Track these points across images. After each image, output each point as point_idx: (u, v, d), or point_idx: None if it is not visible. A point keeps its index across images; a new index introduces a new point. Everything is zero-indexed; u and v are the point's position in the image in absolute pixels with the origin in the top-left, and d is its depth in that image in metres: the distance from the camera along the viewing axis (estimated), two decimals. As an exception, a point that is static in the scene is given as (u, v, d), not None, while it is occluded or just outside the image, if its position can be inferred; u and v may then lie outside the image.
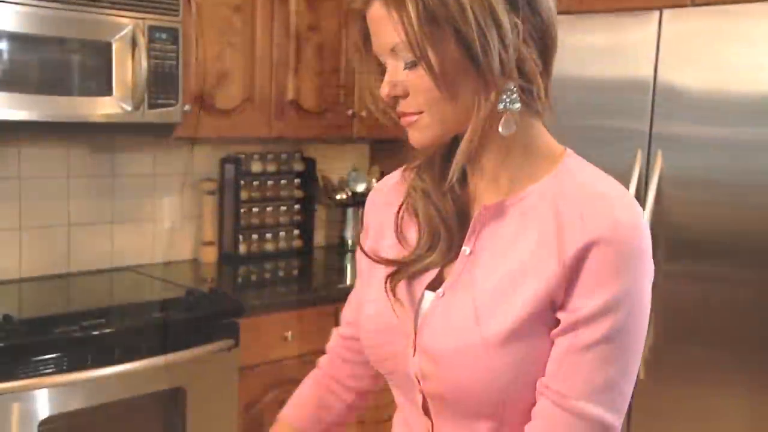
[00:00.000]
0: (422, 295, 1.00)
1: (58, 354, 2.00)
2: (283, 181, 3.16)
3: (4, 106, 2.09)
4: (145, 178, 2.84)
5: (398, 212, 1.06)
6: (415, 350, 0.99)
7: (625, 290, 0.87)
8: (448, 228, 1.00)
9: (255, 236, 3.09)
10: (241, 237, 3.03)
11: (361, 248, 1.11)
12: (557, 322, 0.91)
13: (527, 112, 0.94)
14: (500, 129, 0.92)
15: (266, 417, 2.54)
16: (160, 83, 2.40)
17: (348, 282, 2.98)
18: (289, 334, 2.55)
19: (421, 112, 0.92)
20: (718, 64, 2.28)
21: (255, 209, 3.08)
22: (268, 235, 3.13)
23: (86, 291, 2.56)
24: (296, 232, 3.23)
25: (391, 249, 1.06)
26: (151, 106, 2.39)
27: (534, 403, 0.93)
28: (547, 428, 0.90)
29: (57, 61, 2.19)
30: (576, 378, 0.89)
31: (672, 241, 2.35)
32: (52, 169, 2.60)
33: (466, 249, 0.98)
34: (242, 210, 3.04)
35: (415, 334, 0.99)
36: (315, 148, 3.31)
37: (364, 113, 3.03)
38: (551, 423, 0.90)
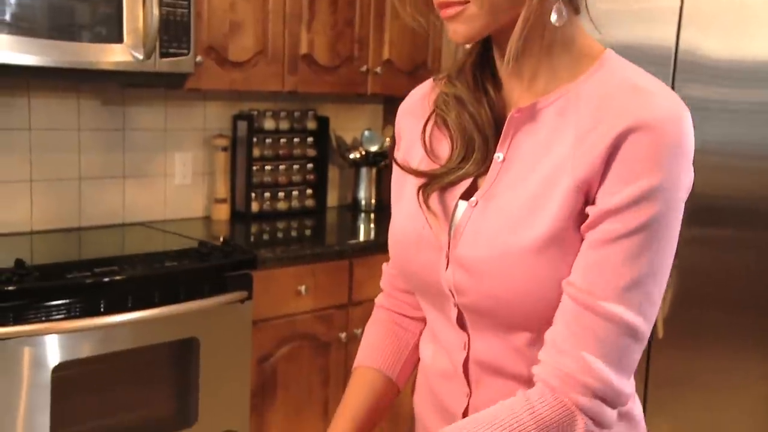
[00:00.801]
0: (456, 205, 0.96)
1: (70, 300, 1.97)
2: (296, 140, 3.12)
3: (13, 49, 2.06)
4: (156, 133, 2.80)
5: (424, 126, 1.02)
6: (448, 263, 0.95)
7: (659, 183, 0.82)
8: (483, 136, 0.95)
9: (267, 194, 3.05)
10: (253, 195, 3.00)
11: (394, 160, 1.06)
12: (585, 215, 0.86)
13: (569, 7, 0.89)
14: (552, 18, 0.87)
15: (279, 371, 2.52)
16: (172, 32, 2.36)
17: (362, 238, 2.95)
18: (302, 288, 2.51)
19: (467, 2, 0.87)
20: (741, 28, 2.23)
21: (267, 167, 3.05)
22: (281, 194, 3.10)
23: (98, 243, 2.53)
24: (309, 191, 3.19)
25: (421, 162, 1.01)
26: (163, 56, 2.35)
27: None
28: (570, 330, 0.85)
29: (67, 6, 2.15)
30: (602, 274, 0.84)
31: (691, 205, 2.30)
32: (63, 121, 2.57)
33: (499, 155, 0.94)
34: (254, 167, 3.00)
35: (449, 245, 0.95)
36: (328, 106, 3.26)
37: (378, 69, 2.98)
38: (575, 324, 0.85)
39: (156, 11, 2.26)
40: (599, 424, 0.84)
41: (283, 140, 3.09)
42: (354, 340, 2.66)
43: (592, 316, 0.84)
